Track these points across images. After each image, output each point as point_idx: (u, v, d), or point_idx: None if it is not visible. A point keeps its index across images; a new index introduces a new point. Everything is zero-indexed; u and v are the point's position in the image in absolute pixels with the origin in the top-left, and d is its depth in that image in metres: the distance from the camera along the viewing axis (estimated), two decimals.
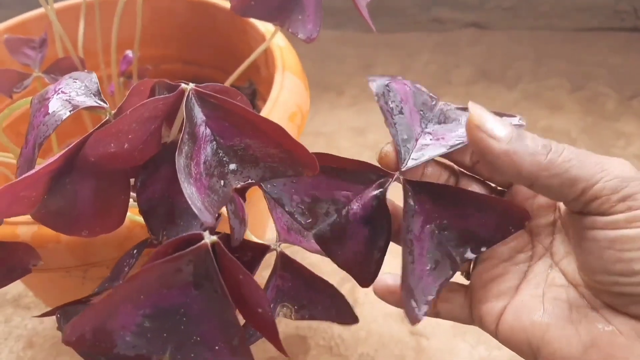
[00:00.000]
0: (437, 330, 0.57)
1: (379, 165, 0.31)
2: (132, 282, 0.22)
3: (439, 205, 0.30)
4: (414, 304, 0.29)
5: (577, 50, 0.96)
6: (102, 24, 0.49)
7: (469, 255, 0.31)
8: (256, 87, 0.55)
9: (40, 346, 0.58)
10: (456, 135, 0.31)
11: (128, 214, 0.34)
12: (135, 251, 0.28)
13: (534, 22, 1.00)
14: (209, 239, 0.22)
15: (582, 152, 0.27)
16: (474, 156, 0.31)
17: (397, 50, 0.99)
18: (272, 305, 0.29)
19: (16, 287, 0.64)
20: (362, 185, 0.30)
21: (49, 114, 0.26)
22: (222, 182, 0.25)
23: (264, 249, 0.27)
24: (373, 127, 0.83)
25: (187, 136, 0.24)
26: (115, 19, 0.45)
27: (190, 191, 0.22)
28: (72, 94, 0.27)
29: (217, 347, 0.23)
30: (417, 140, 0.31)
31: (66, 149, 0.25)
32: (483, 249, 0.31)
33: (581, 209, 0.26)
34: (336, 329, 0.58)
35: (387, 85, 0.32)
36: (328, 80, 0.91)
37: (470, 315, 0.32)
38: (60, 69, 0.44)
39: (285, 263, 0.28)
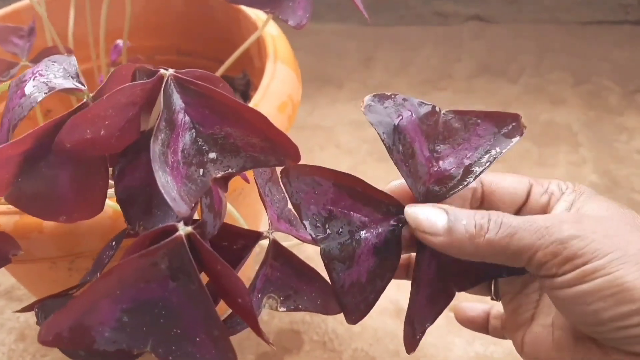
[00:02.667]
0: (432, 326, 0.56)
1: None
2: (108, 278, 0.22)
3: None
4: (412, 333, 0.30)
5: (581, 43, 0.95)
6: (92, 13, 0.49)
7: (466, 287, 0.33)
8: (250, 78, 0.54)
9: (32, 339, 0.58)
10: (464, 153, 0.31)
11: (112, 203, 0.33)
12: (114, 243, 0.27)
13: (537, 15, 0.99)
14: (183, 230, 0.21)
15: (522, 220, 0.27)
16: (473, 204, 0.32)
17: (399, 44, 0.98)
18: (259, 296, 0.28)
19: (8, 279, 0.63)
20: (380, 215, 0.29)
21: (25, 96, 0.26)
22: (201, 171, 0.24)
23: (256, 236, 0.27)
24: None
25: (164, 123, 0.23)
26: (104, 8, 0.44)
27: (164, 180, 0.21)
28: (50, 77, 0.27)
29: (198, 339, 0.22)
30: (429, 173, 0.31)
31: (34, 130, 0.24)
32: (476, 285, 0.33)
33: (536, 273, 0.27)
34: (330, 324, 0.57)
35: (396, 130, 0.30)
36: (328, 74, 0.90)
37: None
38: (46, 57, 0.43)
39: (277, 251, 0.27)
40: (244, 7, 0.50)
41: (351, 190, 0.29)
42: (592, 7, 0.97)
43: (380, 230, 0.29)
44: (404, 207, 0.30)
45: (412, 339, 0.30)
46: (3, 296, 0.62)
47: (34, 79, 0.27)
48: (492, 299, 0.35)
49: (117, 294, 0.21)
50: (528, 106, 0.84)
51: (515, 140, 0.31)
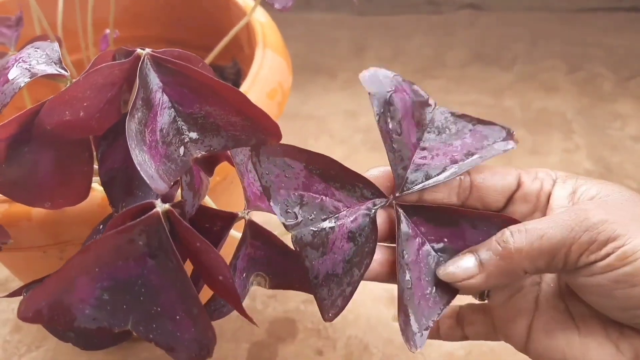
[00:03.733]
0: None
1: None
2: (85, 255, 0.22)
3: (434, 226, 0.30)
4: (415, 329, 0.28)
5: (574, 31, 0.95)
6: (81, 3, 0.48)
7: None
8: (241, 66, 0.54)
9: (27, 330, 0.58)
10: (451, 151, 0.31)
11: (99, 188, 0.33)
12: (101, 227, 0.27)
13: (530, 2, 0.99)
14: (160, 207, 0.21)
15: (545, 220, 0.27)
16: (461, 194, 0.32)
17: (391, 32, 0.98)
18: (244, 275, 0.28)
19: (3, 271, 0.63)
20: (354, 199, 0.29)
21: (8, 81, 0.26)
22: (181, 150, 0.24)
23: (232, 217, 0.26)
24: (365, 111, 0.82)
25: (140, 102, 0.23)
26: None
27: (141, 158, 0.21)
28: (32, 62, 0.27)
29: (177, 317, 0.22)
30: (412, 159, 0.30)
31: (18, 115, 0.24)
32: None
33: (575, 267, 0.27)
34: None
35: (389, 100, 0.30)
36: (320, 63, 0.90)
37: (495, 332, 0.33)
38: None
39: (254, 231, 0.27)
40: None
41: (324, 173, 0.28)
42: None
43: (355, 215, 0.28)
44: (379, 191, 0.29)
45: (416, 337, 0.28)
46: None
47: (16, 66, 0.27)
48: (477, 298, 0.34)
49: (96, 271, 0.21)
50: (521, 94, 0.84)
51: (503, 149, 0.31)
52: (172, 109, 0.24)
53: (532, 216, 0.31)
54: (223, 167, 0.31)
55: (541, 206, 0.31)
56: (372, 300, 0.58)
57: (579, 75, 0.87)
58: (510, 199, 0.31)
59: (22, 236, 0.35)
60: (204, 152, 0.24)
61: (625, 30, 0.94)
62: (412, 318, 0.28)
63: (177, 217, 0.21)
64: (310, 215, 0.28)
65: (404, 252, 0.29)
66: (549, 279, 0.31)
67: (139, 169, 0.20)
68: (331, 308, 0.28)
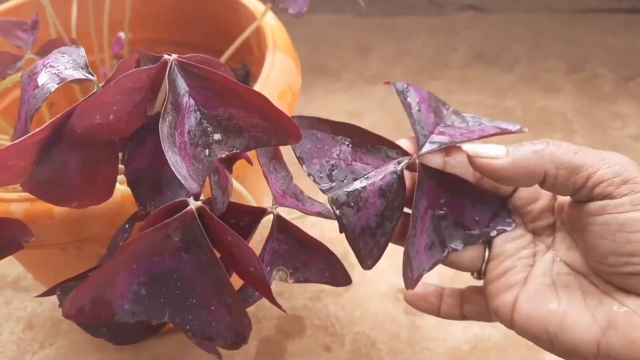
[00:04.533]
0: None
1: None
2: (125, 252, 0.23)
3: (442, 193, 0.33)
4: (410, 272, 0.32)
5: (575, 32, 0.96)
6: (94, 6, 0.49)
7: (458, 246, 0.34)
8: (250, 68, 0.55)
9: (39, 327, 0.59)
10: (467, 134, 0.34)
11: (120, 187, 0.34)
12: (127, 225, 0.29)
13: (531, 4, 1.00)
14: (194, 204, 0.23)
15: (580, 147, 0.29)
16: (475, 174, 0.34)
17: (394, 33, 0.99)
18: (268, 269, 0.29)
19: (16, 269, 0.65)
20: (381, 161, 0.32)
21: (38, 87, 0.27)
22: (206, 151, 0.25)
23: (260, 212, 0.28)
24: (369, 111, 0.83)
25: (170, 106, 0.24)
26: (107, 1, 0.45)
27: (174, 160, 0.22)
28: (60, 68, 0.28)
29: (212, 307, 0.23)
30: (432, 133, 0.34)
31: (52, 120, 0.25)
32: (470, 245, 0.34)
33: (588, 196, 0.29)
34: (332, 308, 0.59)
35: (407, 86, 0.35)
36: (324, 65, 0.91)
37: (488, 311, 0.34)
38: (51, 50, 0.44)
39: (281, 225, 0.29)
40: None
41: (350, 140, 0.31)
42: None
43: (383, 174, 0.31)
44: (403, 150, 0.32)
45: (411, 279, 0.32)
46: (10, 286, 0.63)
47: (45, 71, 0.28)
48: (474, 275, 0.36)
49: (134, 268, 0.23)
50: (523, 94, 0.85)
51: (513, 128, 0.36)
52: (198, 112, 0.25)
53: (535, 203, 0.34)
54: (234, 166, 0.33)
55: (544, 194, 0.33)
56: (379, 297, 0.59)
57: (580, 76, 0.88)
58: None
59: (44, 234, 0.36)
60: (227, 153, 0.25)
61: (625, 31, 0.95)
62: (410, 264, 0.32)
63: (209, 213, 0.22)
64: (343, 179, 0.30)
65: (417, 205, 0.32)
66: (544, 264, 0.32)
67: (174, 170, 0.21)
68: (368, 257, 0.31)
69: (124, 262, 0.22)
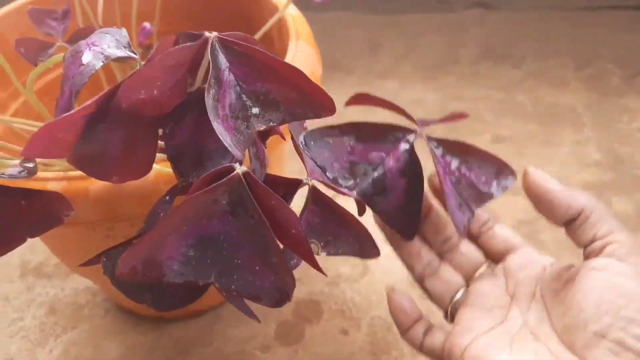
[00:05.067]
0: None
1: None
2: (175, 215, 0.24)
3: (452, 160, 0.36)
4: (457, 229, 0.36)
5: (582, 29, 0.97)
6: None
7: (475, 209, 0.37)
8: None
9: (62, 312, 0.60)
10: None
11: (155, 166, 0.35)
12: (167, 197, 0.30)
13: (538, 1, 1.01)
14: (240, 169, 0.24)
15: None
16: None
17: (404, 30, 1.00)
18: None
19: (37, 257, 0.66)
20: (391, 144, 0.35)
21: (83, 64, 0.28)
22: (246, 124, 0.27)
23: (296, 184, 0.29)
24: None
25: (213, 80, 0.25)
26: None
27: (219, 129, 0.24)
28: (103, 47, 0.29)
29: (257, 268, 0.25)
30: None
31: (99, 96, 0.27)
32: (483, 204, 0.37)
33: (583, 242, 0.32)
34: (348, 293, 0.60)
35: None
36: (335, 60, 0.93)
37: (443, 354, 0.36)
38: (81, 38, 0.46)
39: (316, 197, 0.30)
40: None
41: (359, 135, 0.34)
42: None
43: (397, 156, 0.34)
44: (406, 129, 0.35)
45: (462, 232, 0.36)
46: (32, 272, 0.65)
47: (89, 49, 0.29)
48: (445, 315, 0.38)
49: (183, 230, 0.24)
50: (532, 89, 0.86)
51: None
52: (238, 87, 0.27)
53: (524, 270, 0.36)
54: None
55: (535, 264, 0.37)
56: (395, 282, 0.60)
57: (588, 72, 0.89)
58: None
59: (79, 212, 0.37)
60: (265, 126, 0.27)
61: (631, 28, 0.97)
62: (454, 220, 0.35)
63: (253, 177, 0.24)
64: (363, 172, 0.32)
65: (439, 167, 0.35)
66: (512, 324, 0.33)
67: (221, 138, 0.23)
68: (408, 231, 0.34)
69: (174, 225, 0.24)
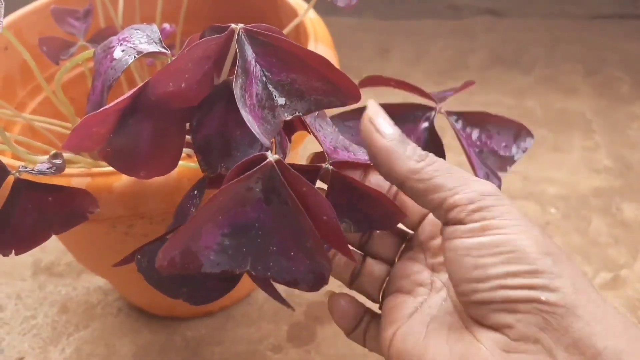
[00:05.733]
0: None
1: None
2: (210, 205, 0.24)
3: (472, 131, 0.38)
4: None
5: (592, 36, 0.98)
6: None
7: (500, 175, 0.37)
8: None
9: (74, 311, 0.61)
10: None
11: (180, 163, 0.36)
12: (195, 192, 0.30)
13: (547, 9, 1.02)
14: (272, 157, 0.24)
15: (453, 168, 0.29)
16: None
17: (414, 36, 1.01)
18: None
19: (48, 256, 0.66)
20: (412, 124, 0.35)
21: (115, 59, 0.29)
22: (272, 114, 0.27)
23: (316, 170, 0.29)
24: None
25: (240, 70, 0.26)
26: None
27: (248, 117, 0.24)
28: (135, 42, 0.29)
29: (292, 253, 0.25)
30: None
31: (132, 91, 0.27)
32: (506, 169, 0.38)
33: (444, 218, 0.29)
34: (361, 295, 0.60)
35: None
36: (347, 64, 0.93)
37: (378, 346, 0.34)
38: (103, 38, 0.46)
39: (338, 179, 0.30)
40: None
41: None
42: (601, 1, 1.00)
43: (419, 134, 0.36)
44: (425, 107, 0.36)
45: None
46: (44, 272, 0.65)
47: (120, 45, 0.30)
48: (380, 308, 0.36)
49: (218, 219, 0.24)
50: (542, 95, 0.87)
51: None
52: (264, 77, 0.27)
53: (437, 238, 0.34)
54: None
55: None
56: None
57: (597, 78, 0.90)
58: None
59: (102, 208, 0.38)
60: (290, 116, 0.27)
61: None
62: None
63: (285, 165, 0.24)
64: None
65: (463, 141, 0.37)
66: (433, 301, 0.32)
67: (249, 126, 0.23)
68: None
69: (209, 215, 0.24)
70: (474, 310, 0.28)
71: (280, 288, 0.29)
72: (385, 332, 0.32)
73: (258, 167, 0.24)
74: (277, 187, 0.24)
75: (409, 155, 0.29)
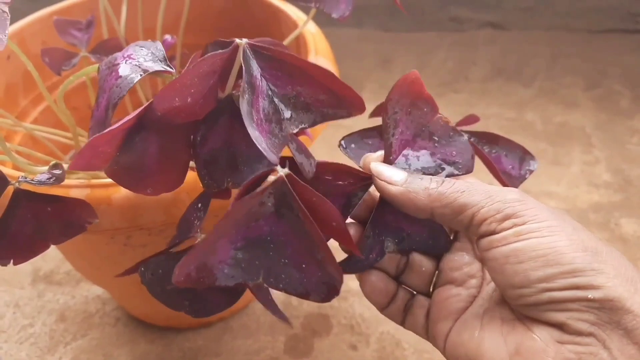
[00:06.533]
0: None
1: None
2: (225, 220, 0.25)
3: (483, 147, 0.40)
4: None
5: (592, 50, 0.98)
6: (144, 9, 0.52)
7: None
8: None
9: (72, 320, 0.61)
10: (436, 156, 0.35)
11: None
12: (199, 205, 0.30)
13: (550, 22, 1.02)
14: (283, 172, 0.24)
15: (472, 184, 0.30)
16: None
17: (415, 47, 1.01)
18: (378, 238, 0.32)
19: (47, 264, 0.66)
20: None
21: (120, 77, 0.29)
22: (279, 127, 0.27)
23: (365, 178, 0.31)
24: None
25: (246, 85, 0.26)
26: (162, 3, 0.48)
27: (255, 134, 0.24)
28: (140, 60, 0.29)
29: (304, 265, 0.25)
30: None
31: (140, 109, 0.27)
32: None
33: (477, 233, 0.29)
34: (357, 308, 0.60)
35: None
36: (348, 75, 0.94)
37: (426, 331, 0.35)
38: (105, 49, 0.47)
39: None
40: (282, 6, 0.54)
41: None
42: (603, 15, 1.00)
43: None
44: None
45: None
46: (43, 280, 0.65)
47: (125, 62, 0.30)
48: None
49: (232, 234, 0.25)
50: (542, 108, 0.87)
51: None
52: (270, 91, 0.27)
53: None
54: None
55: None
56: None
57: (597, 92, 0.90)
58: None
59: (100, 220, 0.38)
60: (297, 129, 0.27)
61: None
62: None
63: (295, 178, 0.24)
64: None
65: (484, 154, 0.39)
66: (485, 292, 0.33)
67: (255, 142, 0.23)
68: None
69: (224, 230, 0.24)
70: (525, 311, 0.29)
71: (278, 299, 0.30)
72: (439, 325, 0.33)
73: (270, 182, 0.24)
74: (289, 200, 0.25)
75: (425, 187, 0.30)
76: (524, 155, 0.39)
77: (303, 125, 0.27)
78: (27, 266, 0.66)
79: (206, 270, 0.25)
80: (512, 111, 0.87)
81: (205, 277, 0.25)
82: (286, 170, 0.25)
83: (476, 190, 0.30)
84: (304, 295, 0.26)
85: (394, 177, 0.31)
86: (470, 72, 0.95)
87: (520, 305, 0.29)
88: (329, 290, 0.25)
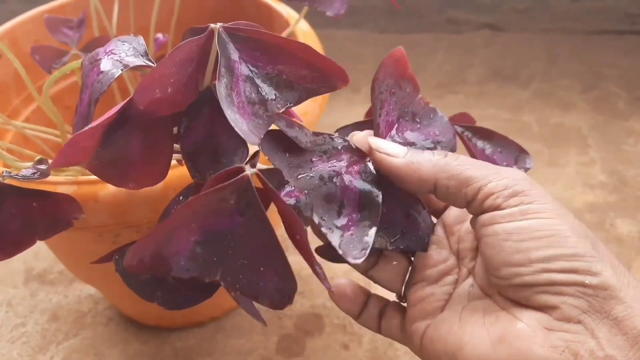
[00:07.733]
0: None
1: None
2: (183, 210, 0.24)
3: (478, 142, 0.40)
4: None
5: (589, 52, 0.98)
6: (135, 8, 0.52)
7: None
8: None
9: (64, 319, 0.60)
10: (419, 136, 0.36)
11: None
12: (181, 197, 0.30)
13: (547, 24, 1.02)
14: (249, 171, 0.24)
15: (477, 160, 0.30)
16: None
17: (412, 49, 1.01)
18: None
19: (41, 264, 0.66)
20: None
21: (102, 72, 0.29)
22: (264, 108, 0.27)
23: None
24: None
25: (223, 69, 0.26)
26: (155, 6, 0.48)
27: (234, 117, 0.24)
28: (121, 55, 0.29)
29: (261, 269, 0.25)
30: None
31: (120, 105, 0.27)
32: None
33: (480, 208, 0.29)
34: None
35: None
36: None
37: (403, 334, 0.34)
38: (96, 47, 0.46)
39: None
40: (275, 5, 0.54)
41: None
42: (599, 17, 1.00)
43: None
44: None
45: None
46: (36, 279, 0.65)
47: (107, 58, 0.30)
48: (398, 298, 0.35)
49: (192, 226, 0.24)
50: (539, 110, 0.87)
51: None
52: (250, 72, 0.27)
53: (462, 223, 0.34)
54: None
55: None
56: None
57: (594, 94, 0.90)
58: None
59: (88, 216, 0.38)
60: (283, 108, 0.27)
61: (637, 52, 0.98)
62: None
63: (263, 179, 0.24)
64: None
65: (472, 147, 0.38)
66: (462, 289, 0.32)
67: (233, 125, 0.23)
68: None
69: (183, 220, 0.24)
70: (515, 293, 0.28)
71: None
72: (416, 325, 0.32)
73: (233, 180, 0.24)
74: (252, 201, 0.24)
75: (429, 158, 0.30)
76: (520, 152, 0.39)
77: (289, 104, 0.27)
78: (20, 265, 0.66)
79: (161, 259, 0.24)
80: (508, 113, 0.86)
81: (159, 266, 0.24)
82: (254, 170, 0.24)
83: (483, 165, 0.29)
84: (257, 298, 0.25)
85: (394, 149, 0.30)
86: (467, 74, 0.95)
87: (512, 286, 0.28)
88: (282, 298, 0.25)
